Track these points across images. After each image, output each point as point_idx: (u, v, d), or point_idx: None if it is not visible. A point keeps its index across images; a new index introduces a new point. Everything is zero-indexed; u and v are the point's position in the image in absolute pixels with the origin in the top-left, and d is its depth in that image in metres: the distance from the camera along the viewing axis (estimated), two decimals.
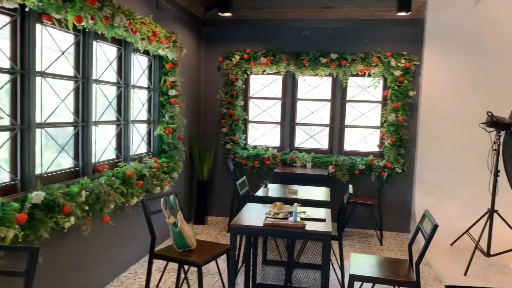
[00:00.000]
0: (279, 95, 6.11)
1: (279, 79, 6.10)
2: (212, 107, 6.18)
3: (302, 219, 3.05)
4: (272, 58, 5.85)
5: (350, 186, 4.09)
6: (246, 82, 6.15)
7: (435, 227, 2.80)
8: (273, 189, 4.30)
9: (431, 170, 5.57)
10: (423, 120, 5.60)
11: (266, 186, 4.00)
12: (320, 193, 4.27)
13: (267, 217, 3.03)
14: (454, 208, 5.39)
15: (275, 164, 5.94)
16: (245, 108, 6.17)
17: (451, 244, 4.99)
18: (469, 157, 5.35)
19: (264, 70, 5.96)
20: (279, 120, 6.13)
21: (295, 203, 3.12)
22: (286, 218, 3.00)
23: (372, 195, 5.58)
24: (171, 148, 4.77)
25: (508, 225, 4.39)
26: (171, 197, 3.27)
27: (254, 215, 3.22)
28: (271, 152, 5.98)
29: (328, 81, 5.97)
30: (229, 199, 5.82)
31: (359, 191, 5.61)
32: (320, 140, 6.08)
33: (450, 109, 5.46)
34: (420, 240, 3.37)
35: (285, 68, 5.86)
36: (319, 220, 3.08)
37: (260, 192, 4.04)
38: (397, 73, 5.54)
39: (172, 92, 4.74)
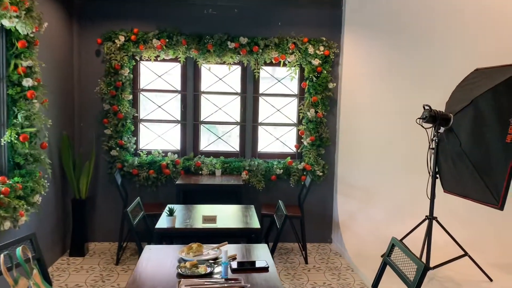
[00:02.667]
0: (178, 87, 4.98)
1: (177, 68, 4.95)
2: (90, 103, 4.78)
3: (235, 270, 2.04)
4: (167, 40, 4.68)
5: (281, 204, 3.19)
6: (135, 71, 4.88)
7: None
8: (181, 215, 3.21)
9: (354, 172, 4.97)
10: (343, 116, 4.95)
11: (171, 214, 2.87)
12: (244, 214, 3.30)
13: (181, 273, 1.96)
14: (381, 214, 4.86)
15: (176, 173, 4.80)
16: (135, 103, 4.90)
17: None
18: (394, 156, 4.85)
19: (158, 56, 4.75)
20: (179, 118, 5.00)
21: (223, 247, 2.10)
22: (211, 273, 1.96)
23: (293, 203, 4.79)
24: (29, 161, 3.37)
25: (449, 234, 3.90)
26: (18, 250, 2.01)
27: (159, 269, 2.11)
28: (170, 158, 4.82)
29: (237, 70, 5.01)
30: (117, 220, 4.55)
31: (278, 199, 4.79)
32: (230, 141, 5.11)
33: (373, 103, 4.89)
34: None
35: (185, 53, 4.74)
36: (260, 270, 2.09)
37: (163, 223, 2.90)
38: (316, 62, 4.80)
39: (27, 82, 3.33)
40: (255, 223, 3.05)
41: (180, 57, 4.75)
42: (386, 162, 4.86)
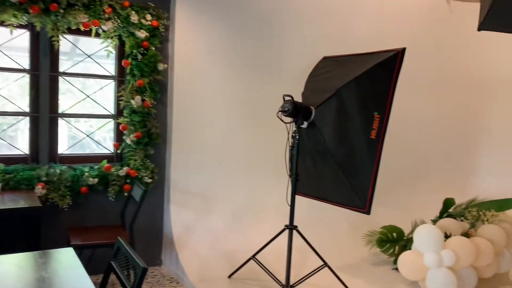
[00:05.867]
0: None
1: None
2: None
3: None
4: None
5: (121, 241, 2.05)
6: None
7: None
8: None
9: (191, 176, 4.05)
10: (178, 106, 3.95)
11: None
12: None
13: None
14: (224, 224, 4.09)
15: None
16: None
17: (229, 276, 3.63)
18: (238, 155, 4.15)
19: None
20: None
21: None
22: None
23: (114, 223, 3.59)
24: None
25: (309, 244, 3.39)
26: None
27: None
28: None
29: (25, 36, 3.44)
30: None
31: (93, 220, 3.52)
32: (13, 140, 3.51)
33: (214, 91, 4.05)
34: None
35: None
36: None
37: None
38: (141, 34, 3.66)
39: None
40: None
41: None
42: (228, 162, 4.11)
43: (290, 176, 3.29)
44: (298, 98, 3.36)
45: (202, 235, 3.99)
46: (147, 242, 3.96)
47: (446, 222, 3.62)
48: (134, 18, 3.60)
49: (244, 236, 3.98)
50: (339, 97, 3.12)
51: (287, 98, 3.13)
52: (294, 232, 3.28)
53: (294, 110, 3.08)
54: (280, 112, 3.15)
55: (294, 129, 3.22)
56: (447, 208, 3.87)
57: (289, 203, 3.28)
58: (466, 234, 3.51)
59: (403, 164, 4.74)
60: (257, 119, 4.09)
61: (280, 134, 3.34)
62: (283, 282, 3.27)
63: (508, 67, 4.82)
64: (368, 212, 3.10)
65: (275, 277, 3.34)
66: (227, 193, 4.14)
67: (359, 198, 3.10)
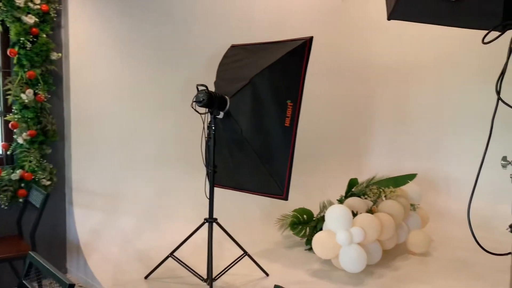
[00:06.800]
0: None
1: None
2: None
3: None
4: None
5: (33, 256, 1.80)
6: None
7: None
8: None
9: (95, 174, 3.74)
10: (75, 100, 3.61)
11: None
12: None
13: None
14: (135, 223, 3.87)
15: None
16: None
17: (146, 277, 3.45)
18: (145, 148, 3.95)
19: None
20: None
21: None
22: None
23: (10, 233, 3.17)
24: None
25: (229, 234, 3.36)
26: None
27: None
28: None
29: None
30: None
31: None
32: None
33: (115, 82, 3.77)
34: None
35: None
36: None
37: None
38: (29, 19, 3.23)
39: None
40: None
41: None
42: (136, 157, 3.89)
43: (207, 168, 3.21)
44: (209, 87, 3.29)
45: (112, 237, 3.73)
46: (49, 250, 3.58)
47: (352, 201, 3.86)
48: (19, 1, 3.17)
49: (158, 234, 3.82)
50: (253, 86, 3.12)
51: (201, 88, 3.03)
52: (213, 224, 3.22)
53: (209, 100, 3.00)
54: (194, 103, 3.05)
55: (210, 119, 3.15)
56: (351, 188, 4.13)
57: (208, 195, 3.21)
58: (370, 211, 3.79)
59: (305, 149, 4.95)
60: (166, 109, 3.92)
61: (192, 125, 3.24)
62: (204, 276, 3.21)
63: (393, 56, 5.29)
64: (286, 198, 3.17)
65: (196, 272, 3.26)
66: (136, 189, 3.93)
67: (277, 185, 3.15)
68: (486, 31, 1.78)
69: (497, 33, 1.76)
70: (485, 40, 1.74)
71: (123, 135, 3.85)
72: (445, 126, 5.04)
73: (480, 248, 1.74)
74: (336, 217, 3.49)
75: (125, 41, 3.79)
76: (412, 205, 4.07)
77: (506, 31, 1.76)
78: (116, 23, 3.73)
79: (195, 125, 3.19)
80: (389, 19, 2.25)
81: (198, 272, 3.25)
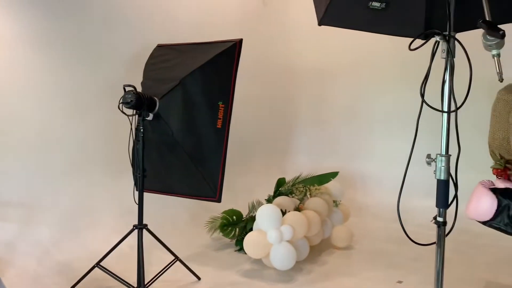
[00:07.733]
0: None
1: None
2: None
3: None
4: None
5: None
6: None
7: None
8: None
9: (3, 183, 3.40)
10: None
11: None
12: None
13: None
14: (54, 233, 3.59)
15: None
16: None
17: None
18: (66, 153, 3.69)
19: None
20: None
21: None
22: None
23: None
24: None
25: (159, 240, 3.25)
26: None
27: None
28: None
29: None
30: None
31: None
32: None
33: (29, 82, 3.46)
34: None
35: None
36: None
37: None
38: None
39: None
40: None
41: None
42: (53, 162, 3.61)
43: (135, 172, 3.08)
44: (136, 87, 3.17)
45: (29, 250, 3.42)
46: None
47: (281, 200, 3.96)
48: None
49: (81, 244, 3.58)
50: (184, 87, 3.06)
51: (128, 88, 2.90)
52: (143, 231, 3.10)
53: (138, 102, 2.88)
54: (121, 104, 2.90)
55: (138, 121, 3.02)
56: (280, 187, 4.23)
57: (137, 201, 3.08)
58: (298, 209, 3.91)
59: (232, 150, 4.98)
60: (88, 111, 3.69)
61: (118, 127, 3.10)
62: (134, 285, 3.08)
63: (314, 59, 5.53)
64: (219, 200, 3.15)
65: (125, 281, 3.11)
66: (54, 197, 3.65)
67: (210, 188, 3.12)
68: (412, 39, 1.94)
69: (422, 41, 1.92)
70: (412, 47, 1.89)
71: (37, 139, 3.55)
72: (362, 127, 5.37)
73: (396, 239, 1.87)
74: (266, 216, 3.54)
75: (44, 40, 3.50)
76: (334, 201, 4.27)
77: (429, 39, 1.93)
78: (31, 20, 3.43)
79: (122, 127, 3.05)
80: (319, 25, 2.35)
81: (127, 281, 3.11)
